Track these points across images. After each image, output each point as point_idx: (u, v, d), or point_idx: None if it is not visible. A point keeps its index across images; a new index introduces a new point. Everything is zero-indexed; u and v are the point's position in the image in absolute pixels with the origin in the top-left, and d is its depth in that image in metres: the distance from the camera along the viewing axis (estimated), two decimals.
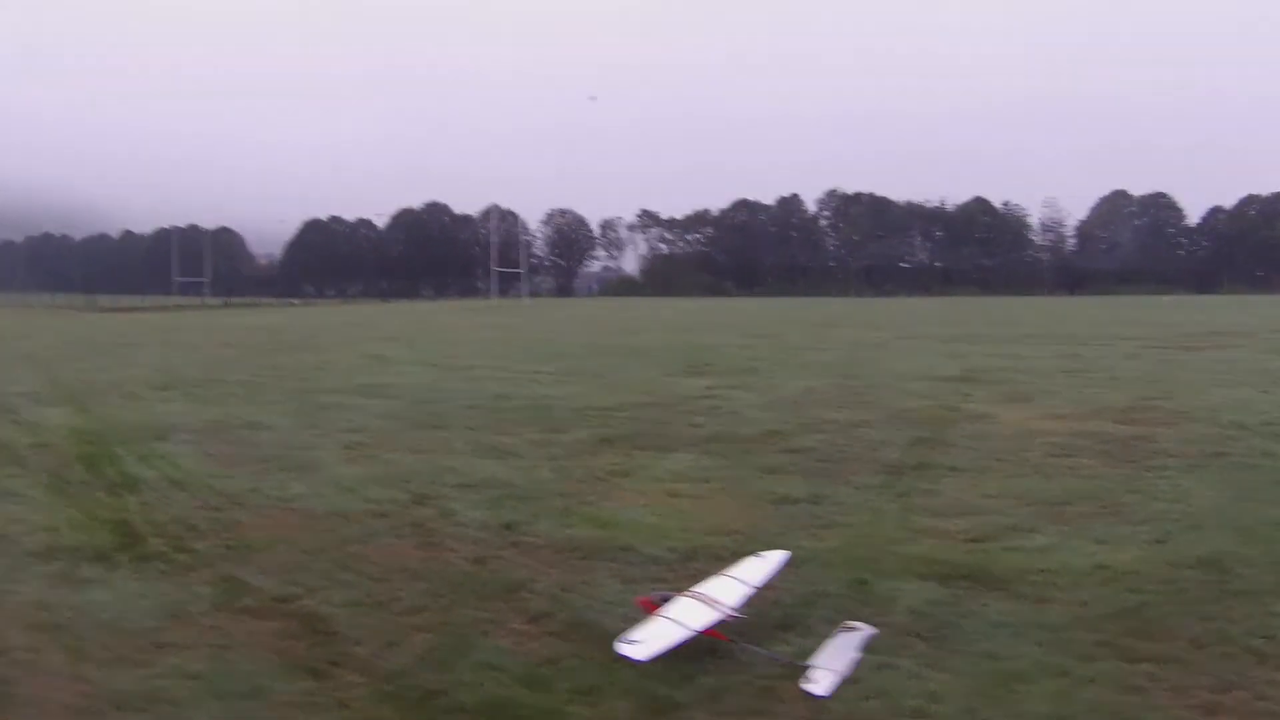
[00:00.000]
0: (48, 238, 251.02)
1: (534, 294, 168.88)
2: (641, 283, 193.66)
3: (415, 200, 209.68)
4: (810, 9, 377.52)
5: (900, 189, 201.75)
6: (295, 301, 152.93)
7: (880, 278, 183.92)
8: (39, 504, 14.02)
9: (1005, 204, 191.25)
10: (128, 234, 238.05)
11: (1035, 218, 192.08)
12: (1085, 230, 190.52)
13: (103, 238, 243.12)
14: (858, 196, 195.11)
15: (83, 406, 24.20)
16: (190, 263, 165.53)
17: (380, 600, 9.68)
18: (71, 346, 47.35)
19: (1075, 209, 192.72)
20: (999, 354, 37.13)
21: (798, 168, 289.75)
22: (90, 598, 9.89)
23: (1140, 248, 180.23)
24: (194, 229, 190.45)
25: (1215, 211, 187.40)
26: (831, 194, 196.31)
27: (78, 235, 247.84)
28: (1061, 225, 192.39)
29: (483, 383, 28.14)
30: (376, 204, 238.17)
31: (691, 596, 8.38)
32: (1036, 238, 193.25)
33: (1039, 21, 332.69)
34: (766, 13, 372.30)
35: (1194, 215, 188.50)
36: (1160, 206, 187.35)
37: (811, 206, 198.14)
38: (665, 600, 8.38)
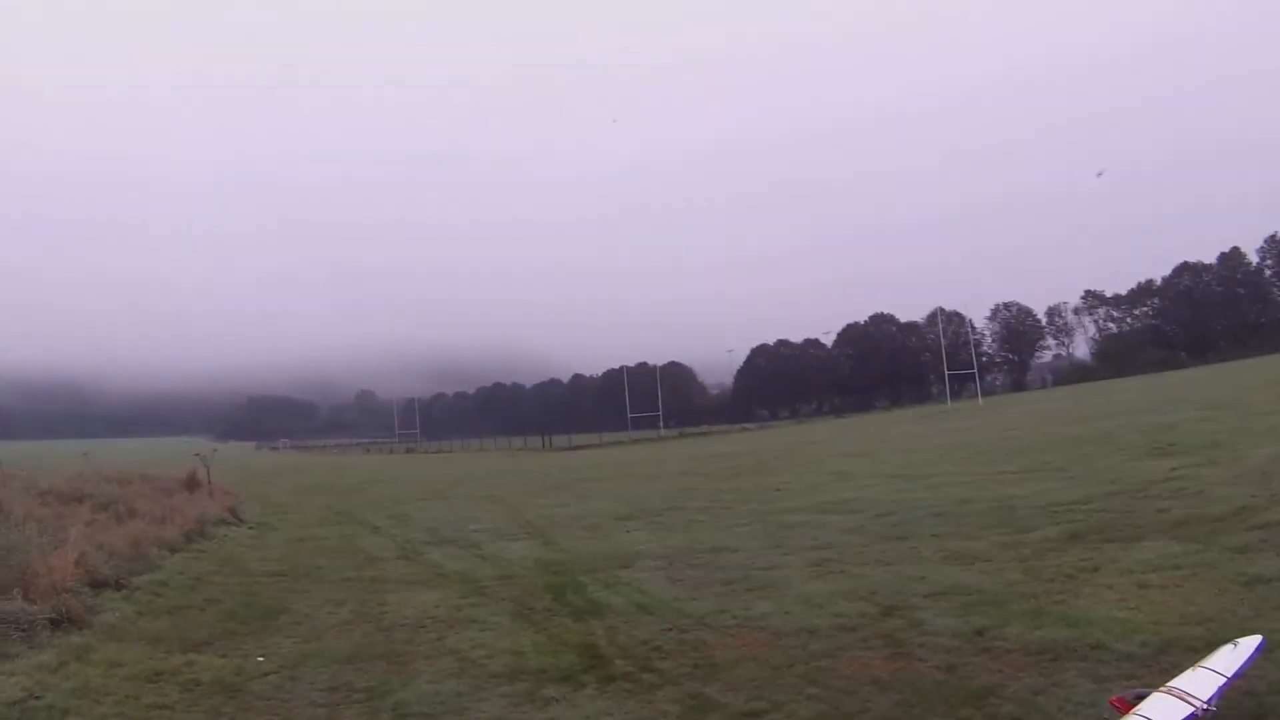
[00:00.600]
0: (499, 386, 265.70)
1: (987, 393, 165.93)
2: (1093, 366, 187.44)
3: (859, 314, 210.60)
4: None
5: None
6: (750, 426, 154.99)
7: None
8: (504, 630, 14.88)
9: None
10: (577, 377, 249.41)
11: None
12: None
13: (553, 383, 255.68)
14: None
15: (546, 539, 25.41)
16: (641, 399, 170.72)
17: (848, 712, 9.80)
18: (531, 485, 48.82)
19: None
20: None
21: (1236, 214, 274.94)
22: (554, 715, 10.48)
23: None
24: (643, 366, 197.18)
25: None
26: (1272, 239, 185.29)
27: (528, 383, 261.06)
28: None
29: (944, 489, 27.57)
30: (822, 323, 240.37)
31: (1165, 692, 8.25)
32: None
33: None
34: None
35: None
36: None
37: (1254, 256, 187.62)
38: (1138, 698, 8.20)
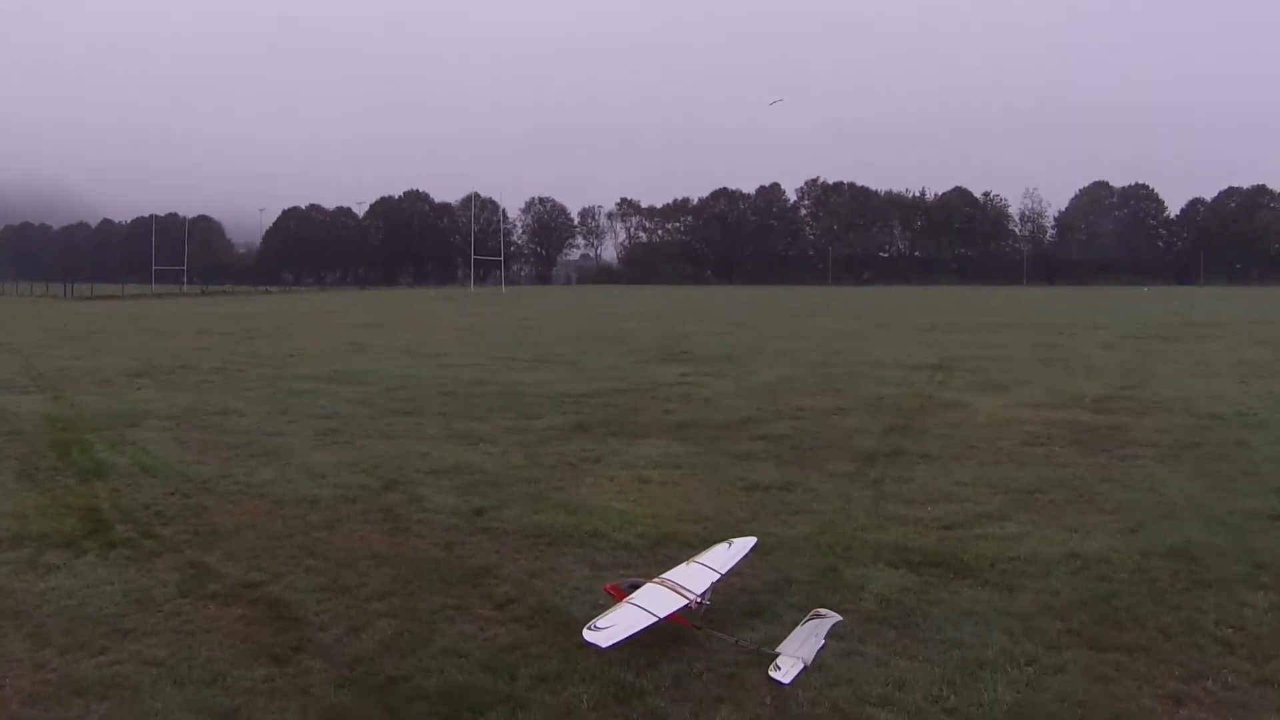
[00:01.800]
0: (26, 227, 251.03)
1: (512, 282, 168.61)
2: (620, 271, 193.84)
3: (395, 188, 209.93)
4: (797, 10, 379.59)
5: (881, 179, 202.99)
6: (273, 289, 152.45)
7: (859, 267, 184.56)
8: (7, 491, 13.93)
9: (986, 195, 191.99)
10: (106, 222, 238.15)
11: (1015, 208, 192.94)
12: (1065, 221, 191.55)
13: (81, 226, 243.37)
14: (838, 186, 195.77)
15: (57, 393, 24.09)
16: (169, 251, 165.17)
17: (346, 586, 9.59)
18: (47, 335, 47.13)
19: (1056, 200, 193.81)
20: (976, 343, 37.36)
21: (779, 158, 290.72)
22: (54, 584, 9.82)
23: (1120, 239, 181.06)
24: (173, 217, 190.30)
25: (1195, 204, 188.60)
26: (812, 183, 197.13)
27: (57, 224, 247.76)
28: (1041, 216, 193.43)
29: (456, 370, 28.24)
30: (356, 194, 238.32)
31: (659, 583, 8.27)
32: (1016, 228, 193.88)
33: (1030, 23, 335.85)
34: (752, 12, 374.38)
35: (1174, 207, 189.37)
36: (1140, 198, 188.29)
37: (792, 196, 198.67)
38: (633, 587, 8.27)
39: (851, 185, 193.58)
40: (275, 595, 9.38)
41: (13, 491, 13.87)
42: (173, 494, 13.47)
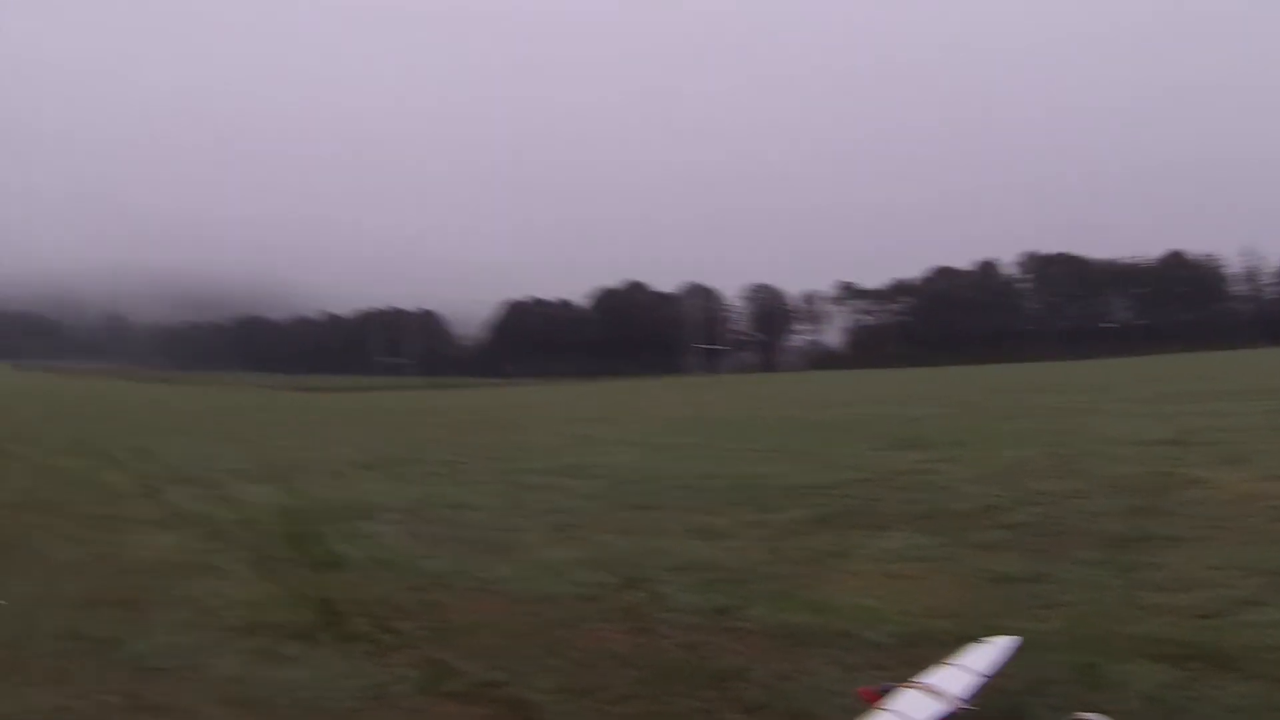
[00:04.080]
0: (253, 321, 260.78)
1: (737, 370, 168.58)
2: (844, 355, 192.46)
3: (617, 280, 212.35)
4: (991, 79, 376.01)
5: (1096, 245, 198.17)
6: (498, 381, 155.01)
7: (1081, 338, 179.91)
8: (241, 580, 14.49)
9: (1203, 255, 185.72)
10: (331, 317, 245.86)
11: (1233, 268, 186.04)
12: None
13: (306, 321, 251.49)
14: (1055, 257, 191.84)
15: (288, 484, 25.03)
16: (393, 344, 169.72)
17: (588, 688, 9.56)
18: (276, 425, 48.94)
19: (1277, 253, 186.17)
20: (1207, 412, 35.29)
21: (994, 231, 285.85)
22: (290, 675, 10.09)
23: None
24: (397, 312, 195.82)
25: None
26: (1029, 256, 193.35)
27: (282, 317, 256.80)
28: (1260, 272, 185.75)
29: (690, 461, 27.81)
30: (577, 286, 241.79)
31: (916, 687, 8.14)
32: (1235, 287, 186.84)
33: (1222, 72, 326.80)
34: (947, 82, 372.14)
35: None
36: None
37: (1010, 270, 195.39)
38: (888, 691, 8.13)
39: (1068, 256, 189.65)
40: (517, 695, 9.42)
41: (246, 580, 14.38)
42: (408, 588, 13.71)
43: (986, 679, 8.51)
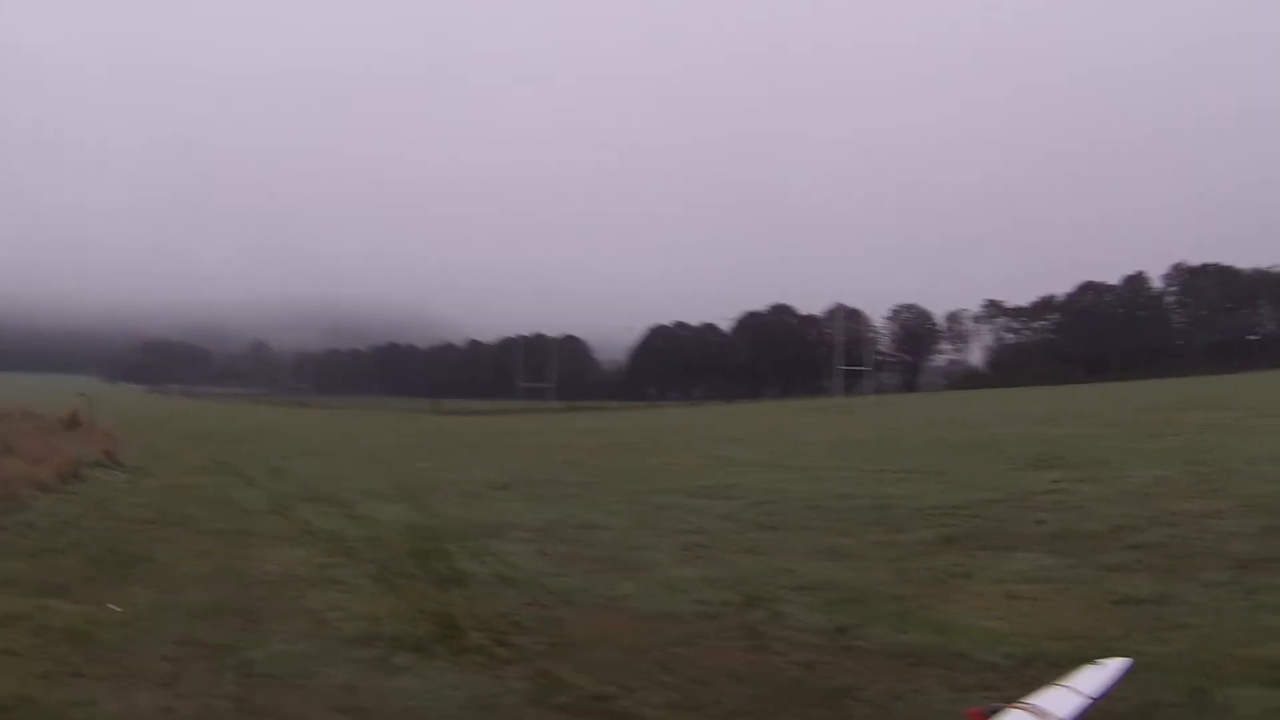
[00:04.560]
0: (394, 347, 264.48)
1: (880, 391, 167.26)
2: (988, 374, 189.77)
3: (760, 303, 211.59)
4: (1135, 86, 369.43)
5: (1247, 254, 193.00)
6: (640, 404, 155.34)
7: (1229, 353, 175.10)
8: (363, 593, 14.78)
9: None
10: (473, 343, 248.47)
11: None
12: None
13: (449, 347, 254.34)
14: (1204, 268, 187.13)
15: (419, 503, 25.45)
16: (535, 370, 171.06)
17: (700, 704, 9.61)
18: (413, 447, 49.05)
19: None
20: None
21: (1137, 241, 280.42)
22: (401, 685, 10.27)
23: None
24: (539, 337, 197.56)
25: None
26: (1177, 268, 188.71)
27: (424, 345, 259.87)
28: None
29: (824, 483, 27.73)
30: (721, 308, 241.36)
31: (1023, 708, 8.25)
32: None
33: None
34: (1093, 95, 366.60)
35: None
36: None
37: (1157, 282, 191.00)
38: (995, 712, 8.21)
39: (1217, 266, 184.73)
40: (626, 710, 9.50)
41: (369, 595, 14.66)
42: (530, 604, 13.85)
43: (1094, 701, 8.54)
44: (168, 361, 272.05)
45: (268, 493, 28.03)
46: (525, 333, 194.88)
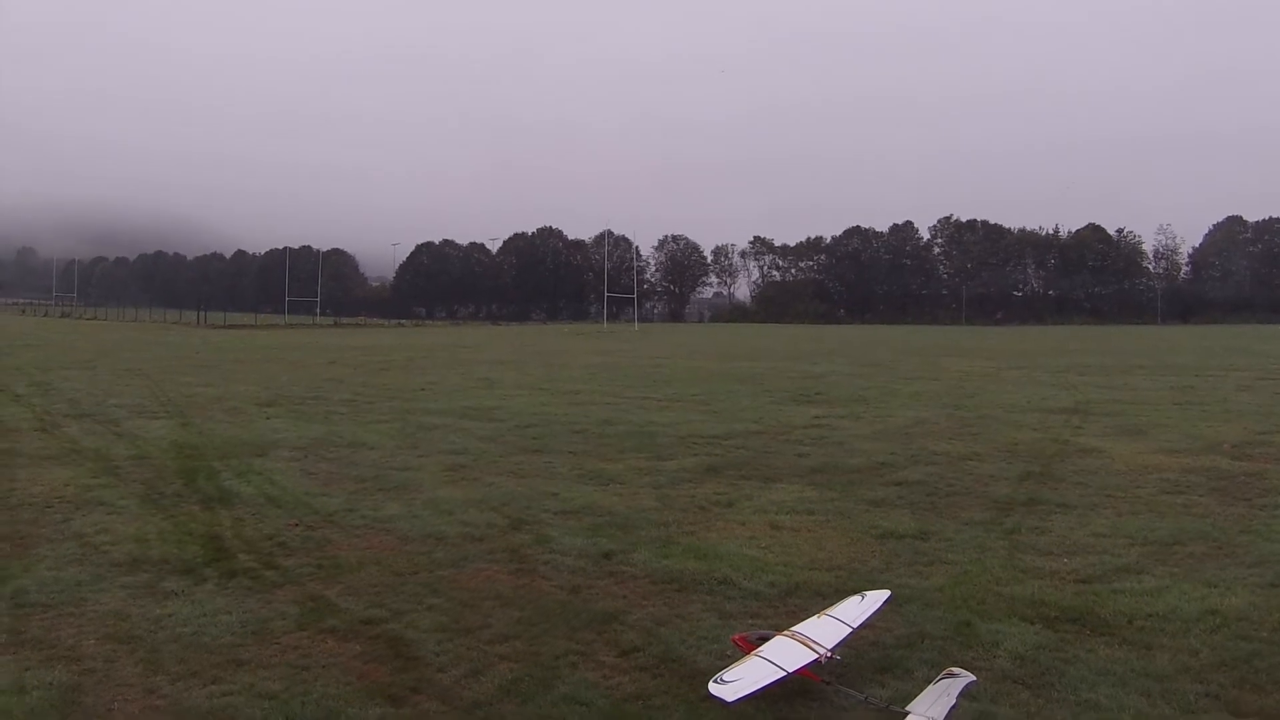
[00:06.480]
0: (160, 255, 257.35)
1: (644, 319, 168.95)
2: (753, 309, 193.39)
3: (529, 225, 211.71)
4: (924, 43, 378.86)
5: (1013, 216, 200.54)
6: (405, 322, 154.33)
7: (992, 306, 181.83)
8: (130, 515, 14.24)
9: (1119, 231, 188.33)
10: (240, 254, 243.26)
11: (1149, 245, 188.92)
12: (1199, 258, 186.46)
13: (215, 257, 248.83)
14: (971, 224, 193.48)
15: (185, 420, 24.55)
16: (302, 284, 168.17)
17: (468, 627, 9.52)
18: (178, 362, 48.07)
19: (1189, 236, 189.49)
20: (1111, 385, 36.22)
21: (908, 193, 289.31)
22: (171, 611, 9.95)
23: (1255, 276, 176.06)
24: (306, 250, 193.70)
25: None
26: (945, 221, 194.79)
27: (190, 254, 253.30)
28: (1175, 253, 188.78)
29: (588, 408, 28.03)
30: (489, 230, 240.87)
31: (788, 636, 8.07)
32: (1150, 265, 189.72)
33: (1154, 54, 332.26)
34: (880, 47, 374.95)
35: None
36: (1276, 232, 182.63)
37: (925, 234, 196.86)
38: (761, 639, 8.09)
39: (985, 223, 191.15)
40: (395, 633, 9.38)
41: (136, 516, 14.15)
42: (296, 525, 13.62)
43: (855, 630, 8.53)
44: None
45: (32, 409, 26.86)
46: (293, 245, 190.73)
